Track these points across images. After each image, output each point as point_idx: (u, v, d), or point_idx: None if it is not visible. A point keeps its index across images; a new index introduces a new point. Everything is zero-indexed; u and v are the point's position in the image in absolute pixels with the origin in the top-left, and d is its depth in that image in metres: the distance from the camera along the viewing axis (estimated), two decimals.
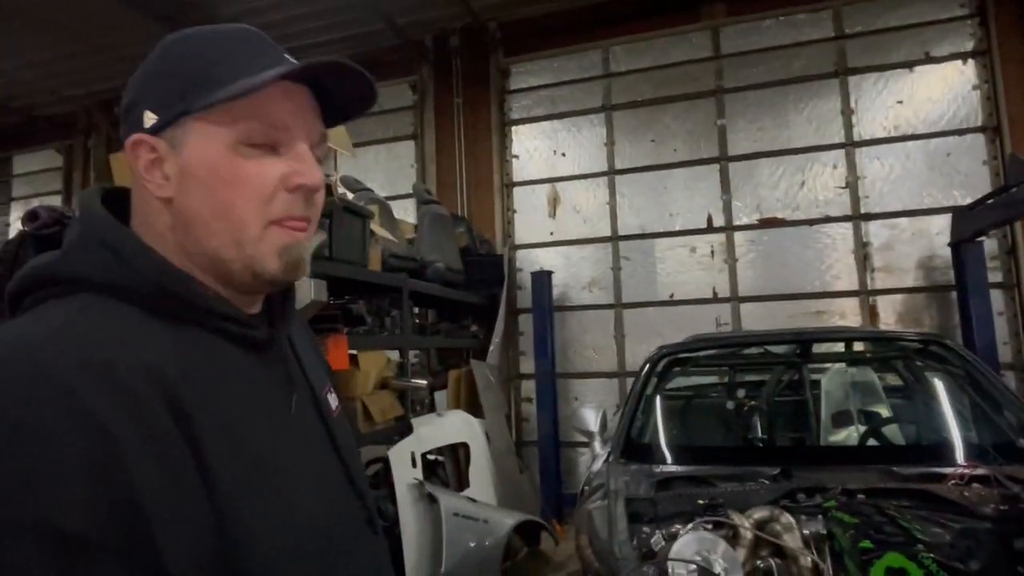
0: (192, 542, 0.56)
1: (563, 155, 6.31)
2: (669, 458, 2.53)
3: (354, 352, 3.57)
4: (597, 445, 2.93)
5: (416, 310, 5.44)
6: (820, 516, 1.88)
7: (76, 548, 0.49)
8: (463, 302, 5.53)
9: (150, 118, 0.67)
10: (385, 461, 3.55)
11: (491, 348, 5.65)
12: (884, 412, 3.05)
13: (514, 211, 6.44)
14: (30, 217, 2.51)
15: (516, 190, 6.46)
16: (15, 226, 8.05)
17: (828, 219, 5.48)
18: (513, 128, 6.53)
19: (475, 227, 6.05)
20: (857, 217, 5.40)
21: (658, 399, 2.93)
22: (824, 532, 1.82)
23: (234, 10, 5.75)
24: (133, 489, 0.52)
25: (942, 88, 5.33)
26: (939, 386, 2.82)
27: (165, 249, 0.67)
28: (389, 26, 6.27)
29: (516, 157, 6.48)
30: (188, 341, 0.64)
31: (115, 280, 0.63)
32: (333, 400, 0.84)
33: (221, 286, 0.70)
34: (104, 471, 0.51)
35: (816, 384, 3.22)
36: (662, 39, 6.03)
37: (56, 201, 8.33)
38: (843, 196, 5.46)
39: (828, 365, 3.38)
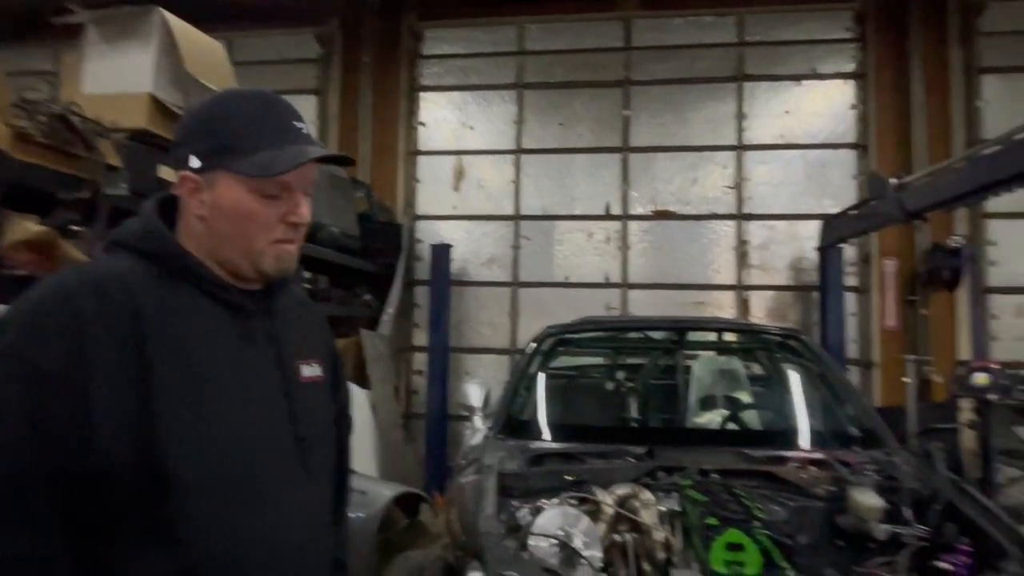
0: (120, 405, 0.83)
1: (471, 128, 6.24)
2: (545, 435, 2.60)
3: None
4: (478, 420, 2.96)
5: (307, 275, 5.21)
6: (675, 494, 2.01)
7: (43, 379, 0.81)
8: (357, 269, 5.36)
9: (195, 162, 0.97)
10: None
11: (384, 319, 5.54)
12: (745, 399, 3.30)
13: (417, 180, 6.30)
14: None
15: (421, 159, 6.31)
16: None
17: (714, 216, 5.81)
18: (422, 95, 6.35)
19: (376, 194, 5.86)
20: (740, 216, 5.77)
21: (541, 377, 3.00)
22: (678, 509, 1.95)
23: None
24: (85, 358, 0.82)
25: (824, 104, 5.76)
26: (793, 377, 3.09)
27: (196, 241, 0.98)
28: None
29: (423, 125, 6.33)
30: (177, 288, 0.94)
31: (137, 244, 0.97)
32: (312, 370, 1.08)
33: (226, 273, 0.99)
34: (72, 335, 0.83)
35: (688, 370, 3.43)
36: (577, 23, 6.07)
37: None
38: (729, 196, 5.80)
39: (700, 352, 3.60)
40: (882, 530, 1.87)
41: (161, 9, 2.80)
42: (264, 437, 0.96)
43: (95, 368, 0.81)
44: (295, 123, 1.01)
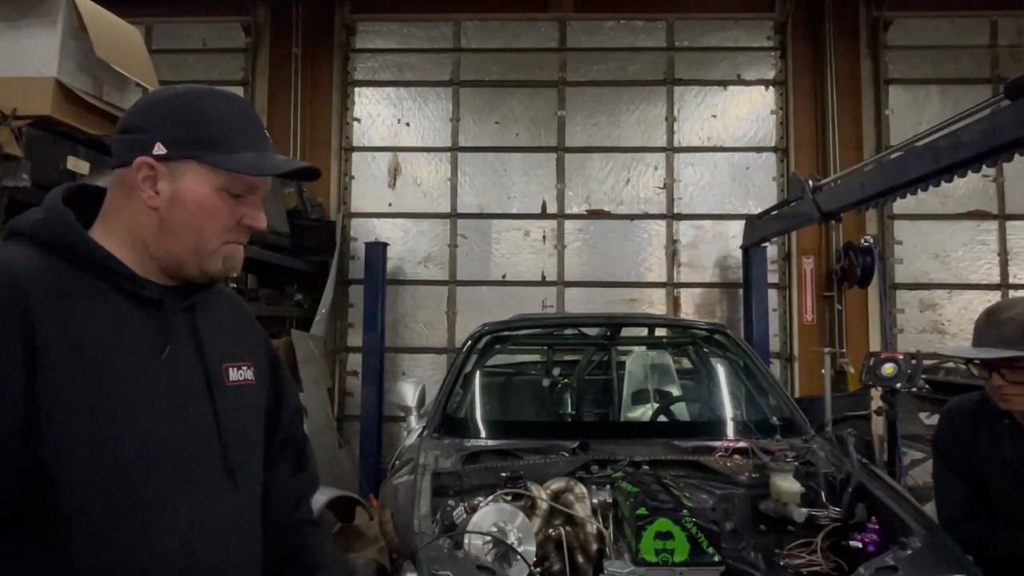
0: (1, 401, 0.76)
1: (407, 125, 6.16)
2: (481, 433, 2.60)
3: None
4: (413, 420, 2.93)
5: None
6: (608, 486, 2.04)
7: None
8: (287, 268, 5.19)
9: (160, 149, 0.92)
10: None
11: (317, 319, 5.39)
12: (675, 392, 3.41)
13: (351, 177, 6.16)
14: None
15: (355, 155, 6.18)
16: None
17: (647, 216, 5.97)
18: (356, 90, 6.22)
19: (307, 190, 5.69)
20: (671, 216, 5.95)
21: (477, 375, 2.99)
22: (610, 501, 1.98)
23: None
24: None
25: (748, 108, 6.02)
26: (719, 370, 3.21)
27: (129, 234, 0.94)
28: None
29: (358, 120, 6.19)
30: (78, 281, 0.87)
31: (37, 233, 0.90)
32: (241, 373, 1.04)
33: (155, 269, 0.95)
34: None
35: (622, 365, 3.51)
36: (514, 23, 6.10)
37: None
38: (661, 196, 5.98)
39: (632, 348, 3.69)
40: (800, 513, 1.97)
41: None
42: (175, 442, 0.89)
43: None
44: (265, 132, 1.03)
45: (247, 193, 0.97)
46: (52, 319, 0.81)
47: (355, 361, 5.92)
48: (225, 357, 1.02)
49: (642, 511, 1.75)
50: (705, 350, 3.45)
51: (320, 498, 3.62)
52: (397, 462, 2.42)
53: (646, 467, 2.20)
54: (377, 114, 6.20)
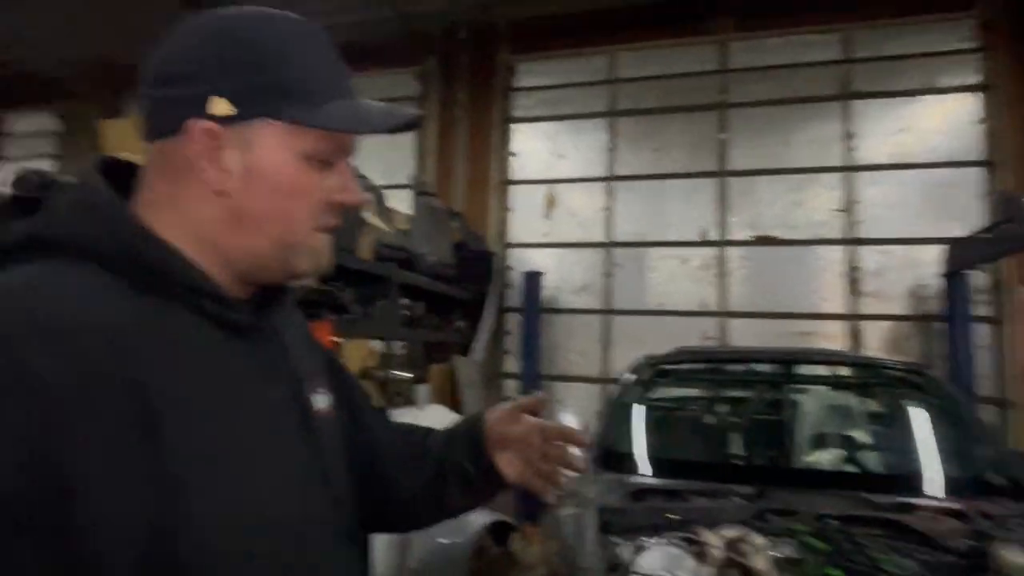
0: (124, 521, 0.54)
1: (563, 157, 6.29)
2: (645, 469, 2.52)
3: (338, 339, 3.53)
4: (575, 452, 2.91)
5: (404, 301, 5.41)
6: (790, 539, 1.87)
7: None
8: (452, 297, 5.49)
9: (223, 107, 0.65)
10: None
11: (476, 345, 5.62)
12: (862, 438, 3.05)
13: (509, 210, 6.41)
14: (19, 182, 2.47)
15: (513, 188, 6.43)
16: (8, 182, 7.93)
17: (822, 241, 5.49)
18: (514, 126, 6.50)
19: (469, 223, 6.01)
20: (850, 241, 5.42)
21: (638, 409, 2.92)
22: (794, 556, 1.81)
23: None
24: (66, 456, 0.51)
25: (945, 119, 5.35)
26: (918, 416, 2.82)
27: (179, 230, 0.66)
28: (398, 15, 6.23)
29: (515, 155, 6.45)
30: (158, 312, 0.62)
31: (85, 242, 0.62)
32: (323, 399, 0.79)
33: (227, 272, 0.69)
34: (39, 435, 0.50)
35: (797, 405, 3.22)
36: (670, 49, 6.02)
37: (48, 165, 8.22)
38: (838, 219, 5.47)
39: (810, 387, 3.38)
40: None
41: None
42: (298, 515, 0.69)
43: (82, 476, 0.52)
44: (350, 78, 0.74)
45: (337, 158, 0.72)
46: (157, 371, 0.58)
47: (511, 387, 6.06)
48: (310, 384, 0.78)
49: (834, 572, 1.58)
50: (898, 392, 3.06)
51: (479, 521, 3.74)
52: (560, 493, 2.42)
53: (834, 522, 1.99)
54: (534, 148, 6.41)
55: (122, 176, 0.69)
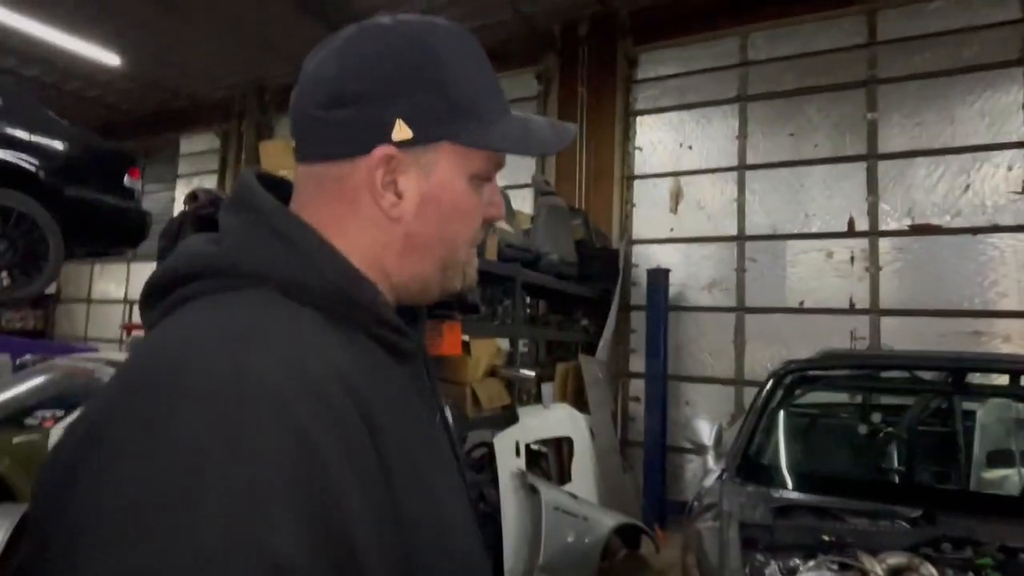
0: (390, 569, 0.53)
1: (689, 148, 6.04)
2: (789, 483, 2.35)
3: (466, 338, 3.64)
4: (710, 459, 2.79)
5: (528, 300, 5.47)
6: (971, 574, 1.66)
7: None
8: (575, 295, 5.47)
9: (404, 131, 0.62)
10: (490, 447, 3.60)
11: (601, 344, 5.56)
12: None
13: (633, 205, 6.26)
14: (190, 198, 2.79)
15: (636, 183, 6.27)
16: (179, 201, 9.05)
17: (997, 228, 4.82)
18: (637, 119, 6.33)
19: (592, 220, 5.95)
20: None
21: (781, 417, 2.73)
22: None
23: (371, 3, 6.03)
24: (343, 516, 0.48)
25: None
26: None
27: (357, 256, 0.63)
28: (517, 15, 6.30)
29: (639, 149, 6.29)
30: (360, 348, 0.60)
31: (295, 277, 0.59)
32: (448, 414, 0.78)
33: (392, 297, 0.67)
34: (317, 495, 0.47)
35: (969, 416, 2.85)
36: (808, 24, 5.56)
37: (213, 180, 9.24)
38: (1019, 203, 4.77)
39: (986, 396, 2.97)
40: None
41: None
42: (471, 540, 0.68)
43: (362, 544, 0.50)
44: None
45: (493, 175, 0.70)
46: (377, 413, 0.56)
47: (637, 386, 5.93)
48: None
49: None
50: None
51: (608, 522, 3.70)
52: (697, 504, 2.32)
53: None
54: (659, 140, 6.21)
55: (273, 193, 0.65)
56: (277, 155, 2.70)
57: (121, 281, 10.26)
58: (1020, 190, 4.78)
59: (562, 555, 3.36)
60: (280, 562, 0.44)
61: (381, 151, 0.62)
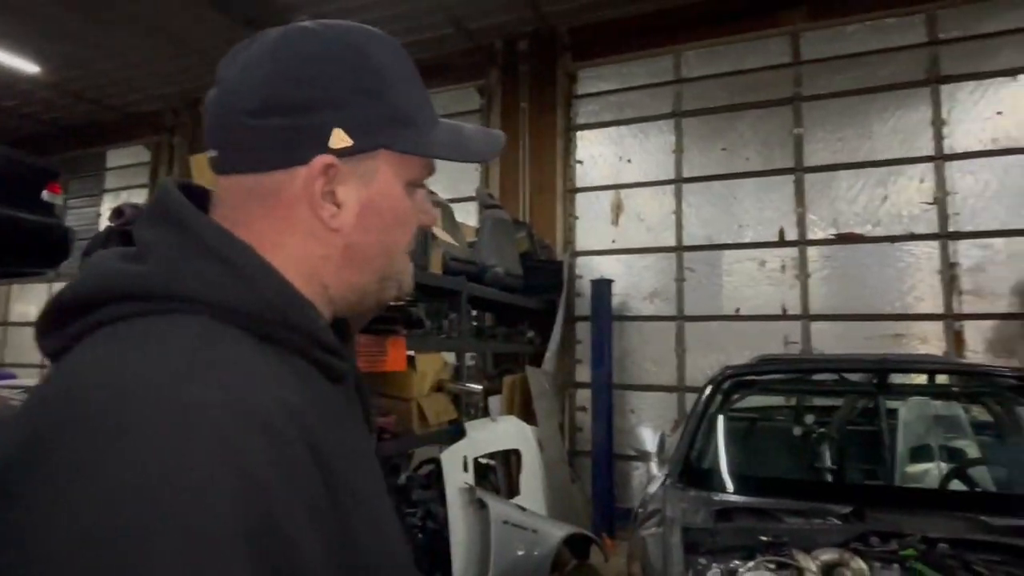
0: None
1: (628, 161, 6.20)
2: (729, 486, 2.42)
3: (411, 354, 3.60)
4: (654, 466, 2.84)
5: (474, 314, 5.46)
6: (896, 565, 1.75)
7: None
8: (521, 307, 5.50)
9: (343, 140, 0.60)
10: (437, 463, 3.56)
11: (547, 355, 5.60)
12: (971, 451, 2.82)
13: (576, 217, 6.37)
14: (115, 214, 2.64)
15: (579, 196, 6.38)
16: (106, 216, 8.59)
17: (912, 236, 5.14)
18: (578, 133, 6.46)
19: (536, 232, 6.01)
20: (944, 235, 5.05)
21: (720, 423, 2.81)
22: None
23: (309, 13, 5.94)
24: (296, 557, 0.46)
25: None
26: None
27: (289, 271, 0.59)
28: (459, 30, 6.33)
29: (580, 163, 6.41)
30: (304, 377, 0.57)
31: (233, 302, 0.54)
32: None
33: (328, 313, 0.64)
34: (268, 538, 0.44)
35: (893, 414, 3.02)
36: (738, 44, 5.82)
37: (142, 195, 8.85)
38: (930, 212, 5.11)
39: (908, 395, 3.15)
40: None
41: None
42: (408, 560, 0.67)
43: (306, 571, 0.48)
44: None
45: (425, 181, 0.69)
46: (328, 455, 0.53)
47: (583, 396, 6.00)
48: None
49: None
50: (1012, 400, 2.81)
51: (557, 534, 3.71)
52: (641, 511, 2.36)
53: (945, 546, 1.84)
54: (599, 154, 6.34)
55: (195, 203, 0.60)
56: (208, 168, 2.61)
57: (41, 303, 9.64)
58: (931, 201, 5.13)
59: (512, 569, 3.34)
60: None
61: (321, 160, 0.59)
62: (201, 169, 2.58)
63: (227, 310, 0.54)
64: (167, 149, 8.73)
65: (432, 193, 5.00)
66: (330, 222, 0.61)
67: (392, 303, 0.72)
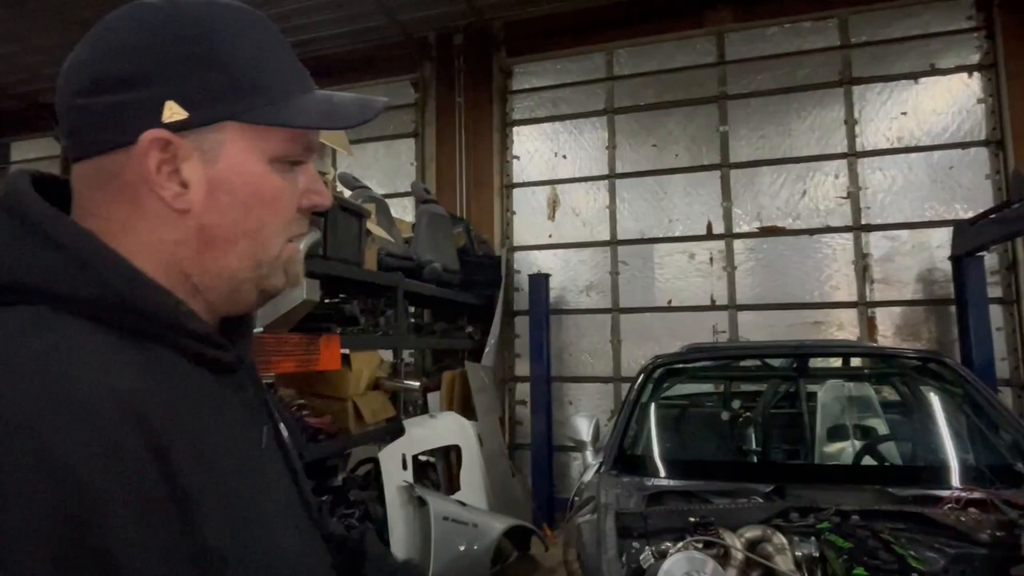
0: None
1: (564, 157, 6.27)
2: (661, 471, 2.50)
3: (346, 352, 3.53)
4: (589, 455, 2.90)
5: (411, 310, 5.40)
6: (813, 538, 1.85)
7: None
8: (459, 303, 5.49)
9: (176, 112, 0.56)
10: (375, 462, 3.51)
11: (486, 350, 5.61)
12: (880, 428, 3.02)
13: (513, 212, 6.40)
14: None
15: (516, 191, 6.41)
16: None
17: (828, 229, 5.45)
18: (514, 129, 6.48)
19: (473, 228, 6.00)
20: (857, 228, 5.37)
21: (652, 410, 2.90)
22: (816, 555, 1.79)
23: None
24: (110, 551, 0.45)
25: (947, 100, 5.29)
26: (937, 405, 2.79)
27: (143, 260, 0.57)
28: (392, 22, 6.23)
29: (517, 158, 6.44)
30: (158, 365, 0.55)
31: (72, 290, 0.53)
32: (284, 430, 0.74)
33: (199, 302, 0.61)
34: (76, 532, 0.44)
35: (812, 397, 3.19)
36: (667, 43, 5.99)
37: None
38: (844, 206, 5.43)
39: (825, 378, 3.34)
40: None
41: None
42: (305, 558, 0.67)
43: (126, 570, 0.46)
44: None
45: (305, 158, 0.65)
46: (175, 435, 0.52)
47: (523, 390, 6.05)
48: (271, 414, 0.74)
49: (860, 571, 1.56)
50: (916, 380, 3.03)
51: (497, 527, 3.73)
52: (577, 499, 2.41)
53: (856, 518, 1.96)
54: (535, 150, 6.39)
55: (49, 194, 0.58)
56: None
57: None
58: (845, 196, 5.44)
59: (453, 564, 3.34)
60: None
61: (149, 135, 0.56)
62: None
63: (67, 299, 0.53)
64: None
65: (365, 187, 4.91)
66: (175, 203, 0.58)
67: (288, 290, 0.68)
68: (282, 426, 0.74)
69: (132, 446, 0.48)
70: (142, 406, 0.50)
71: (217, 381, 0.61)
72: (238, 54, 0.59)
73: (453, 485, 4.29)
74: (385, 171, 6.71)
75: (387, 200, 5.30)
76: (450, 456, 4.43)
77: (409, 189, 6.04)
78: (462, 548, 3.43)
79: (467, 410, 4.96)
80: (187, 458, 0.51)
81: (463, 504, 3.76)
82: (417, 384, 4.40)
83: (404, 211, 6.16)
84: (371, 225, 4.04)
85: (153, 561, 0.47)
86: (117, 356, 0.52)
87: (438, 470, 4.37)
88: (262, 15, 0.64)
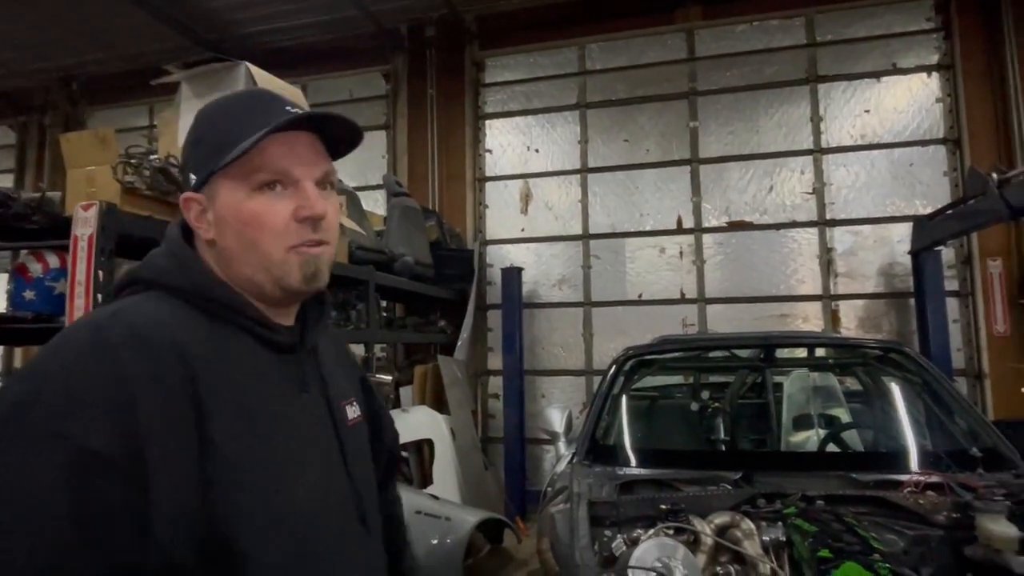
0: (182, 490, 0.70)
1: (536, 151, 6.28)
2: (633, 460, 2.53)
3: None
4: (562, 446, 2.92)
5: (383, 304, 5.36)
6: (780, 523, 1.89)
7: (91, 461, 0.65)
8: (432, 296, 5.46)
9: (192, 179, 0.87)
10: None
11: (459, 344, 5.60)
12: (844, 417, 3.11)
13: (485, 206, 6.39)
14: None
15: (488, 185, 6.40)
16: None
17: (795, 224, 5.57)
18: (487, 122, 6.46)
19: (446, 221, 5.98)
20: (822, 223, 5.51)
21: (623, 401, 2.93)
22: (783, 539, 1.83)
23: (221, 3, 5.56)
24: (140, 435, 0.68)
25: (907, 99, 5.45)
26: (897, 393, 2.88)
27: (215, 269, 0.86)
28: (363, 13, 6.14)
29: (489, 152, 6.43)
30: (219, 334, 0.82)
31: (171, 282, 0.84)
32: (353, 411, 0.99)
33: (257, 301, 0.87)
34: (121, 415, 0.68)
35: (779, 387, 3.27)
36: (638, 39, 6.04)
37: (8, 180, 7.97)
38: (810, 202, 5.56)
39: (791, 369, 3.42)
40: (1020, 563, 1.69)
41: (247, 63, 2.98)
42: (329, 500, 0.86)
43: (152, 449, 0.68)
44: (288, 107, 0.87)
45: (281, 182, 0.84)
46: (214, 383, 0.76)
47: (496, 384, 6.06)
48: (340, 395, 0.97)
49: (825, 552, 1.60)
50: (877, 370, 3.12)
51: (470, 520, 3.73)
52: (550, 489, 2.42)
53: (821, 502, 2.01)
54: (508, 143, 6.39)
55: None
56: (81, 148, 2.38)
57: None
58: (811, 191, 5.57)
59: (426, 557, 3.33)
60: (91, 448, 0.65)
61: (182, 197, 0.88)
62: (71, 148, 2.35)
63: (171, 288, 0.83)
64: (37, 130, 7.90)
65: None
66: (205, 235, 0.87)
67: (311, 288, 0.88)
68: (351, 407, 0.98)
69: (167, 355, 0.74)
70: (187, 351, 0.76)
71: (276, 358, 0.87)
72: (217, 128, 0.86)
73: (426, 479, 4.28)
74: (356, 164, 6.63)
75: (358, 193, 5.24)
76: (423, 450, 4.42)
77: (381, 182, 5.98)
78: (435, 541, 3.42)
79: (440, 404, 4.95)
80: (213, 385, 0.76)
81: (436, 498, 3.75)
82: (389, 378, 4.37)
83: (376, 204, 6.10)
84: (342, 218, 3.99)
85: (166, 433, 0.70)
86: (188, 323, 0.80)
87: (411, 464, 4.35)
88: (247, 91, 0.99)
